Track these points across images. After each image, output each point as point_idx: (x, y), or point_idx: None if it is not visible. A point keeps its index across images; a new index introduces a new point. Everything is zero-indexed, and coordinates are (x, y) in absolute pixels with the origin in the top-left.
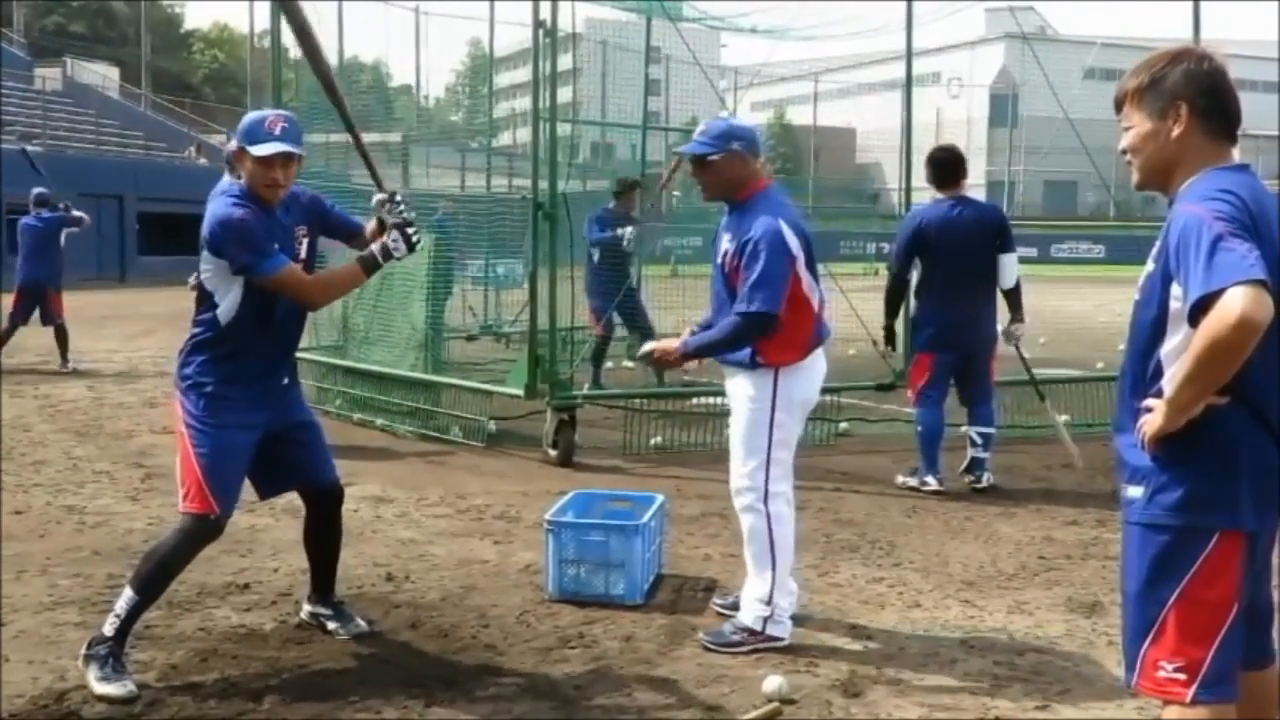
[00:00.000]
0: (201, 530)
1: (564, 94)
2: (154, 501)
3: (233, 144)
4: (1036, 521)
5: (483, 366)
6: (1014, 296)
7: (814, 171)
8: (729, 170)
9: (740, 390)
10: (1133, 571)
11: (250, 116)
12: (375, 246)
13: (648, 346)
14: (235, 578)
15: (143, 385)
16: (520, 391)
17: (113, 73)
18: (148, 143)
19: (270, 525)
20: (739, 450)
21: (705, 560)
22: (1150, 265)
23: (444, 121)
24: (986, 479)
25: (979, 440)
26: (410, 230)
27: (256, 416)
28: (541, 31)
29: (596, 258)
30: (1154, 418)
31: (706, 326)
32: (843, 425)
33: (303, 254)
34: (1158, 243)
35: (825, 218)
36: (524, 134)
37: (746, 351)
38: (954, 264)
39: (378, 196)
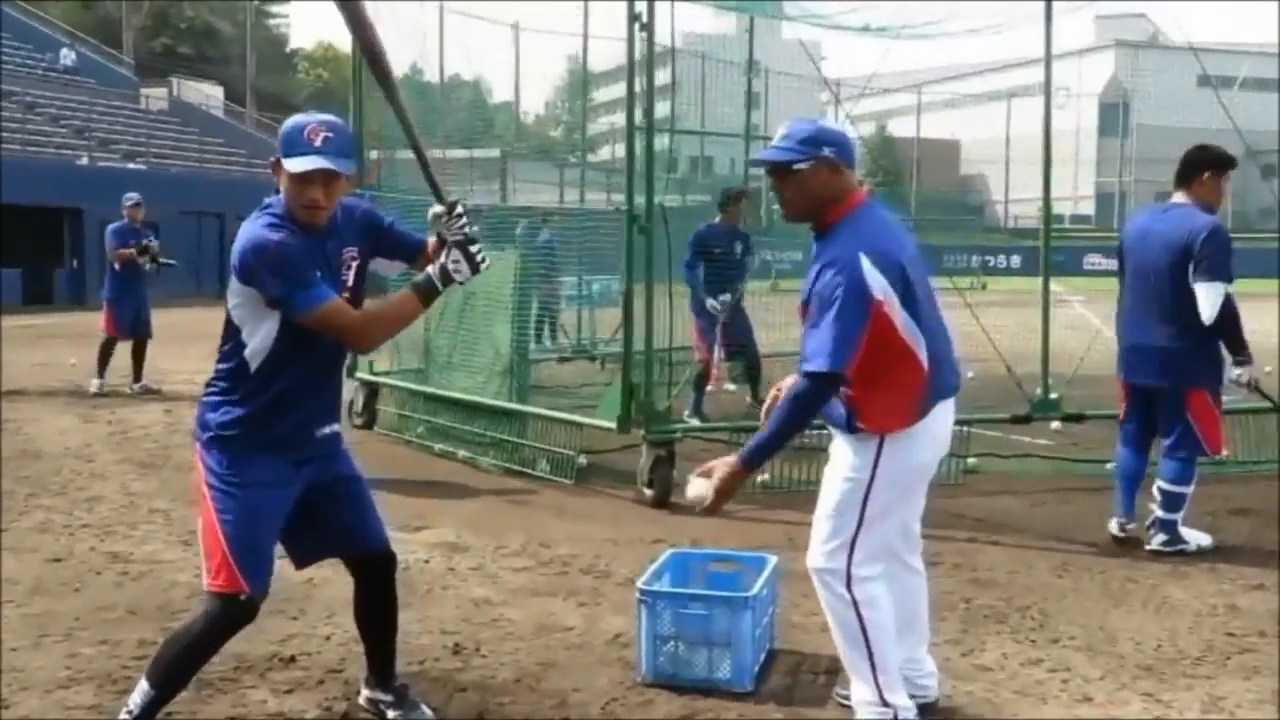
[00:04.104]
0: (229, 613)
1: (662, 108)
2: None
3: None
4: (1213, 585)
5: (574, 391)
6: (1222, 331)
7: (917, 184)
8: (816, 183)
9: (840, 455)
10: None
11: (289, 123)
12: (432, 269)
13: (696, 491)
14: (281, 647)
15: None
16: (612, 424)
17: (217, 92)
18: (250, 160)
19: (330, 579)
20: (822, 521)
21: (824, 632)
22: None
23: (543, 137)
24: (1157, 541)
25: (1157, 495)
26: (474, 248)
27: (292, 472)
28: (637, 26)
29: (702, 275)
30: None
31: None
32: (970, 461)
33: (350, 281)
34: None
35: (928, 230)
36: (623, 149)
37: (841, 412)
38: (1134, 278)
39: (434, 209)
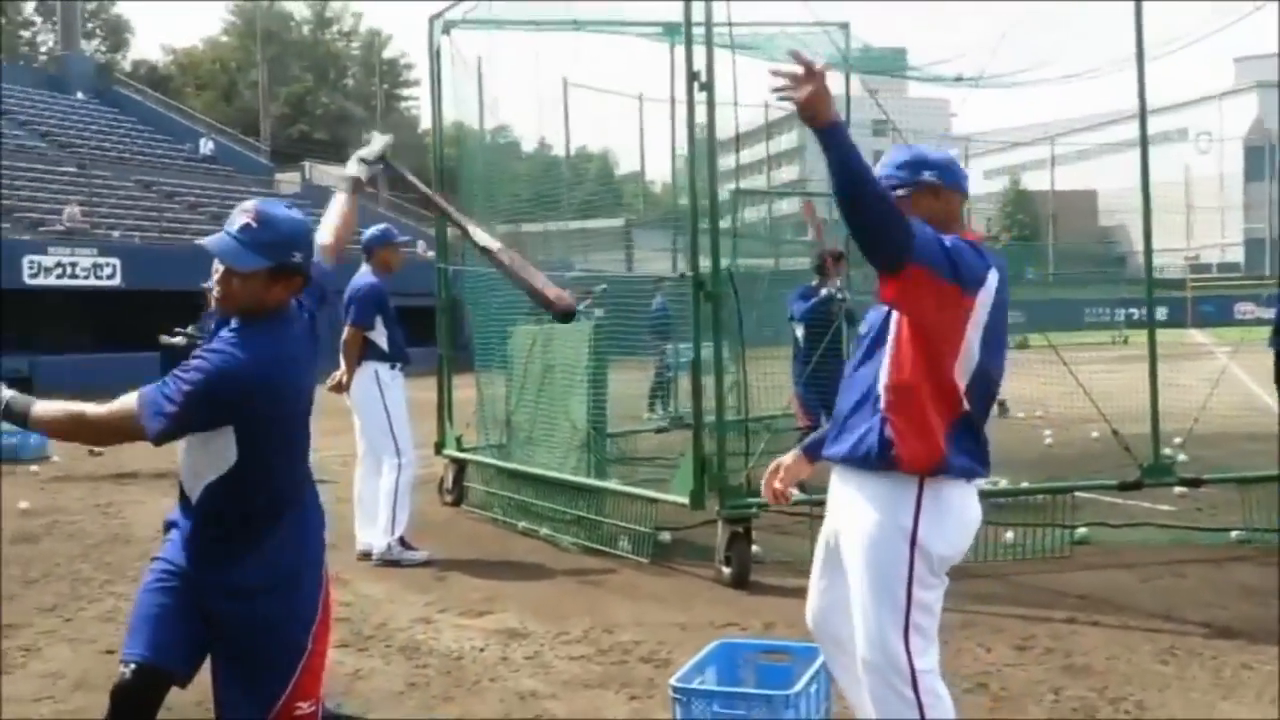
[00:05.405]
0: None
1: (790, 172)
2: None
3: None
4: None
5: (673, 462)
6: None
7: (1053, 237)
8: (918, 210)
9: (862, 507)
10: None
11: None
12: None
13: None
14: None
15: (323, 489)
16: (685, 499)
17: None
18: None
19: (377, 669)
20: (866, 605)
21: None
22: None
23: (670, 205)
24: None
25: None
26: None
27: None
28: (696, 85)
29: (802, 339)
30: None
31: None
32: (1080, 531)
33: None
34: None
35: (1068, 284)
36: (750, 214)
37: (874, 439)
38: None
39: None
